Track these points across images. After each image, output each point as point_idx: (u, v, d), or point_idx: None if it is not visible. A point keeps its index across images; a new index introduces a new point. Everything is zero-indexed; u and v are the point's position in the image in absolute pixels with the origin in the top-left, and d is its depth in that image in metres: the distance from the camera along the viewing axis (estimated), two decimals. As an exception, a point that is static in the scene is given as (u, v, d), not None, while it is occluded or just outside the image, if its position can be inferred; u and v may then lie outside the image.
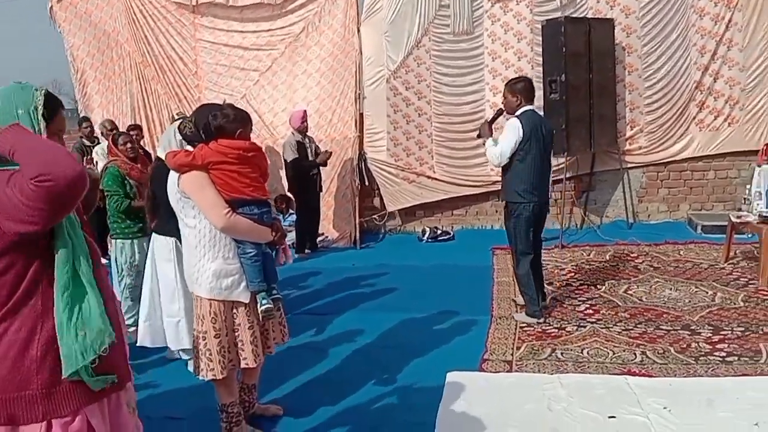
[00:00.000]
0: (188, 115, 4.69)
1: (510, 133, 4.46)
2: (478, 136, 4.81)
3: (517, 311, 4.90)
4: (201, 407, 3.52)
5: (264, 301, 3.01)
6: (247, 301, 3.01)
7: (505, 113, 4.71)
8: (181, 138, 3.83)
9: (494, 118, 4.88)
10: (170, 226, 3.87)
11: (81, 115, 8.66)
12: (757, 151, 7.35)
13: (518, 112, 4.52)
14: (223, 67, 8.51)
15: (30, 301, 1.74)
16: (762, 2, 7.27)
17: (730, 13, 7.33)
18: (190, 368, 3.51)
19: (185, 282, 3.87)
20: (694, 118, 7.66)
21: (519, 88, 4.57)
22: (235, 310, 3.02)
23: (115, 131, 6.51)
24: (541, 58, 7.40)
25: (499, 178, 7.90)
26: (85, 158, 7.32)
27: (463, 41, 7.85)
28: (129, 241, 4.60)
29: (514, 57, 7.81)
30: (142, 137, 7.50)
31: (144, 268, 4.43)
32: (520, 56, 7.79)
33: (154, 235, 4.05)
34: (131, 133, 7.00)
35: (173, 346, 4.04)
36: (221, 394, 3.16)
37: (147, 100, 8.74)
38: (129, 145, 4.67)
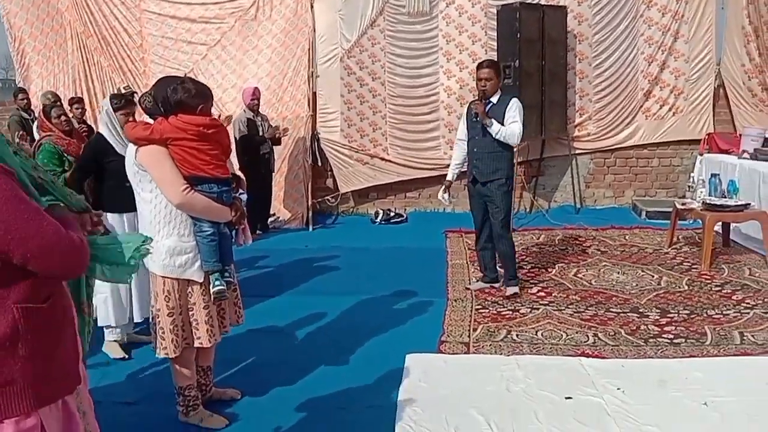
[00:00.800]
0: (133, 89, 4.52)
1: (519, 111, 4.64)
2: (480, 122, 4.63)
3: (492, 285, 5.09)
4: (156, 391, 3.41)
5: (217, 282, 2.93)
6: (200, 281, 2.93)
7: (484, 96, 4.64)
8: (107, 115, 3.73)
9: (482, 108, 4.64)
10: (100, 202, 3.82)
11: (18, 86, 8.19)
12: (700, 140, 7.66)
13: (503, 94, 4.76)
14: (170, 40, 8.21)
15: None
16: (707, -4, 7.51)
17: (677, 5, 7.54)
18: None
19: None
20: (641, 106, 7.87)
21: (501, 69, 4.96)
22: (189, 289, 2.95)
23: (50, 103, 6.15)
24: (495, 43, 7.44)
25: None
26: (21, 133, 6.94)
27: (418, 23, 7.80)
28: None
29: (468, 41, 7.82)
30: (85, 111, 7.16)
31: None
32: (474, 40, 7.81)
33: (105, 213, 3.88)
34: (74, 106, 6.70)
35: (100, 323, 3.84)
36: (177, 376, 3.08)
37: (89, 72, 8.35)
38: (63, 117, 4.42)
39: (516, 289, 4.88)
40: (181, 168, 2.81)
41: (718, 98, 7.86)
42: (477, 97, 4.75)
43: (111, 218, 3.81)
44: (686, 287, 5.03)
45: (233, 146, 7.19)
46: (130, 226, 3.82)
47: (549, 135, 7.72)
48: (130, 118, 3.81)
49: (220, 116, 7.20)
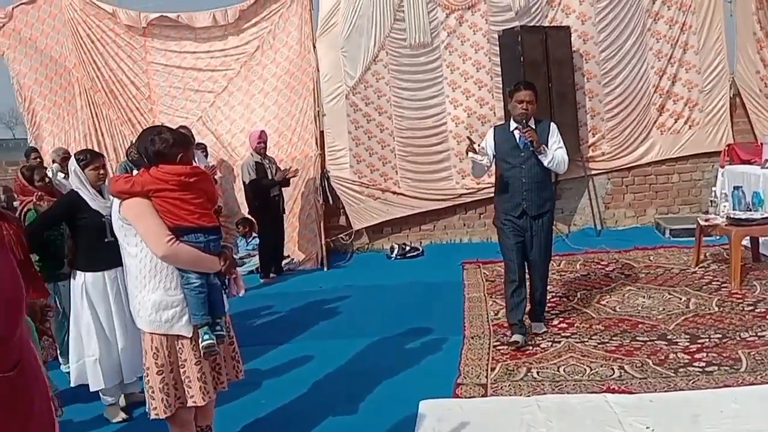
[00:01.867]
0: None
1: (560, 135, 4.37)
2: (538, 151, 4.19)
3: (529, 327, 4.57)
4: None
5: (206, 336, 2.78)
6: (189, 336, 2.79)
7: (525, 121, 4.20)
8: (75, 175, 3.65)
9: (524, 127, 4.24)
10: (77, 260, 3.72)
11: (30, 146, 8.28)
12: (720, 152, 7.41)
13: (536, 118, 4.33)
14: (177, 90, 8.26)
15: None
16: (714, 4, 7.35)
17: (684, 16, 7.39)
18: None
19: (99, 317, 3.69)
20: (655, 121, 7.67)
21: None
22: (179, 345, 2.81)
23: (26, 170, 6.08)
24: (499, 69, 7.34)
25: (465, 191, 8.03)
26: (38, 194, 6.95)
27: (420, 54, 7.75)
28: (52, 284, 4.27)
29: (472, 68, 7.73)
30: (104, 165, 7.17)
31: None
32: (478, 67, 7.72)
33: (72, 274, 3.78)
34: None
35: (92, 387, 3.70)
36: (175, 438, 2.92)
37: (99, 126, 8.41)
38: (47, 179, 4.40)
39: (545, 327, 4.64)
40: (165, 219, 2.72)
41: (735, 108, 7.63)
42: (506, 123, 4.44)
43: (91, 278, 3.68)
44: (716, 308, 4.77)
45: (242, 191, 7.28)
46: (112, 285, 3.68)
47: (562, 157, 7.53)
48: (101, 172, 3.74)
49: (286, 169, 7.19)
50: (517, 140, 4.25)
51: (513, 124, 4.30)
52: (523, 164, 4.27)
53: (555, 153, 4.24)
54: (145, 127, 8.02)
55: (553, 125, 4.38)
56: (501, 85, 7.17)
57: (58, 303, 4.28)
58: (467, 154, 4.35)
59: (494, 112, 7.70)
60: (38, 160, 7.65)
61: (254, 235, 7.82)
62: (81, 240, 3.72)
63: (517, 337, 4.34)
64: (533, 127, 4.22)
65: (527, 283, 4.51)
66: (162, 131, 2.79)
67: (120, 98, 8.36)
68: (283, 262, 7.57)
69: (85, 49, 8.24)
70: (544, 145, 4.20)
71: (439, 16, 7.67)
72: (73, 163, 3.72)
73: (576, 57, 7.52)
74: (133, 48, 8.23)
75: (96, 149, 7.97)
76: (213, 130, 8.18)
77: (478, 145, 4.36)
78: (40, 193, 4.33)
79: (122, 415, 3.76)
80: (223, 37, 8.09)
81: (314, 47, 7.79)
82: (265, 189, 7.08)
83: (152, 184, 2.71)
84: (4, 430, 1.45)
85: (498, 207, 4.52)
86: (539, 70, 7.05)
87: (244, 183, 7.21)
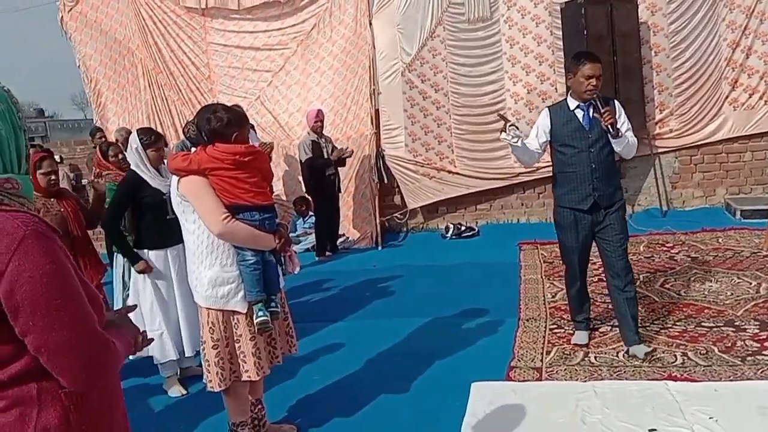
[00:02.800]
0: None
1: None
2: (615, 135, 3.60)
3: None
4: (209, 428, 3.35)
5: (260, 313, 2.83)
6: (244, 311, 2.85)
7: (593, 97, 3.60)
8: (137, 153, 3.71)
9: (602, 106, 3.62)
10: (140, 238, 3.80)
11: (95, 125, 8.58)
12: (798, 129, 6.96)
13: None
14: (236, 70, 8.36)
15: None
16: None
17: (760, -16, 6.91)
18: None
19: (161, 293, 3.78)
20: (727, 97, 7.26)
21: None
22: (235, 320, 2.87)
23: (105, 144, 6.29)
24: (561, 43, 7.08)
25: (524, 169, 7.79)
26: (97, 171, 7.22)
27: (479, 29, 7.56)
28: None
29: (533, 42, 7.49)
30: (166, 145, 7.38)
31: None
32: (539, 41, 7.47)
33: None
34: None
35: (158, 360, 3.82)
36: (230, 411, 3.01)
37: (161, 106, 8.63)
38: (120, 156, 4.50)
39: (647, 347, 3.77)
40: (221, 197, 2.78)
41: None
42: (563, 102, 3.79)
43: (153, 256, 3.78)
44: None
45: (300, 169, 7.33)
46: (174, 261, 3.78)
47: (626, 135, 7.24)
48: (162, 153, 3.83)
49: (341, 148, 7.26)
50: (581, 119, 3.66)
51: (573, 102, 3.69)
52: (592, 147, 3.65)
53: (630, 136, 3.71)
54: (204, 107, 8.28)
55: (618, 104, 3.79)
56: (563, 60, 6.91)
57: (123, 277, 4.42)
58: (501, 134, 3.72)
59: (555, 88, 7.45)
60: (102, 139, 7.92)
61: (310, 213, 7.88)
62: (143, 218, 3.82)
63: (580, 337, 4.00)
64: (600, 105, 3.59)
65: (587, 289, 4.08)
66: (217, 110, 2.82)
67: (181, 79, 8.54)
68: (338, 240, 7.61)
69: (147, 30, 8.44)
70: (617, 129, 3.62)
71: (498, -11, 7.45)
72: (135, 141, 3.79)
73: (643, 29, 7.17)
74: (193, 29, 8.37)
75: (158, 129, 8.22)
76: (270, 110, 8.25)
77: (513, 126, 3.70)
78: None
79: (180, 389, 3.87)
80: (279, 16, 8.11)
81: (370, 24, 7.72)
82: (321, 168, 7.10)
83: (208, 163, 2.76)
84: None
85: (559, 201, 3.83)
86: (604, 43, 6.76)
87: (300, 162, 7.25)
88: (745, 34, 7.04)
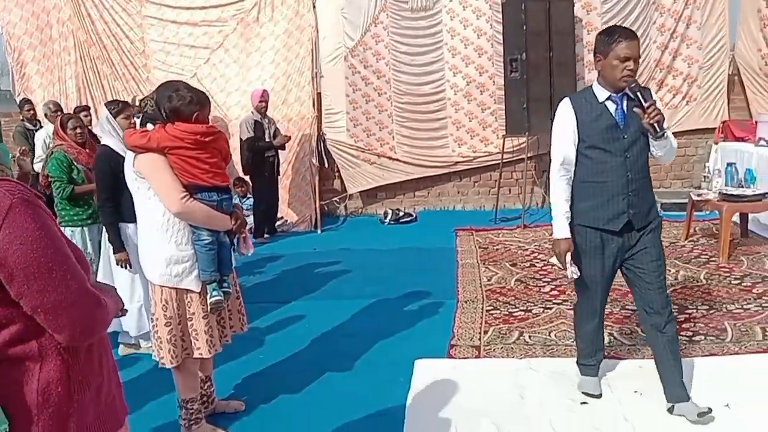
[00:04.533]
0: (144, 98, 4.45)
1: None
2: (661, 135, 2.76)
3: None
4: (157, 404, 3.33)
5: (215, 293, 2.86)
6: (198, 290, 2.86)
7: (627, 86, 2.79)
8: (108, 122, 3.68)
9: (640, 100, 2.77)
10: (120, 212, 3.74)
11: (20, 97, 8.16)
12: (714, 128, 7.46)
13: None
14: (172, 45, 8.15)
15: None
16: (719, -20, 7.30)
17: (688, -10, 7.34)
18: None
19: (140, 266, 3.72)
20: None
21: None
22: (188, 299, 2.87)
23: (61, 113, 6.10)
24: (501, 36, 7.29)
25: (461, 159, 8.05)
26: (23, 149, 6.89)
27: (421, 18, 7.68)
28: (79, 228, 4.34)
29: (473, 35, 7.68)
30: (91, 119, 7.12)
31: (98, 258, 4.23)
32: (479, 34, 7.67)
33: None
34: (82, 114, 6.67)
35: (133, 332, 3.86)
36: (181, 388, 3.00)
37: (92, 80, 8.30)
38: (78, 130, 4.37)
39: (698, 406, 2.89)
40: (179, 176, 2.77)
41: (732, 85, 7.65)
42: (588, 91, 2.91)
43: (133, 228, 3.71)
44: (704, 281, 4.86)
45: (238, 148, 7.25)
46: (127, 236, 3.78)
47: (559, 128, 7.54)
48: (131, 121, 3.77)
49: (284, 135, 7.14)
50: (614, 115, 2.82)
51: (601, 92, 2.84)
52: (628, 152, 2.81)
53: (670, 137, 2.87)
54: (139, 83, 8.03)
55: (654, 94, 2.91)
56: (502, 53, 7.12)
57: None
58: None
59: (493, 81, 7.68)
60: (31, 112, 7.56)
61: (248, 195, 7.81)
62: (123, 191, 3.72)
63: (590, 385, 3.21)
64: (642, 97, 2.74)
65: (603, 328, 3.27)
66: (179, 88, 2.79)
67: (114, 52, 8.25)
68: (277, 223, 7.60)
69: (80, 0, 8.07)
70: (656, 134, 2.76)
71: (441, -20, 7.58)
72: (105, 112, 3.76)
73: (578, 27, 7.48)
74: (128, 1, 8.08)
75: (89, 103, 7.93)
76: (207, 88, 8.07)
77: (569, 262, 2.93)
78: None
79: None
80: (219, -9, 7.95)
81: (314, 6, 7.69)
82: (261, 150, 7.06)
83: (168, 141, 2.73)
84: (86, 394, 1.48)
85: (579, 218, 2.93)
86: (541, 39, 7.02)
87: (240, 140, 7.17)
88: (673, 37, 7.47)
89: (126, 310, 1.74)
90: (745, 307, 4.28)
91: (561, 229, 2.89)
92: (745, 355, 3.59)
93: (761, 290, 4.56)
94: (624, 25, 7.40)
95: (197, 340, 2.88)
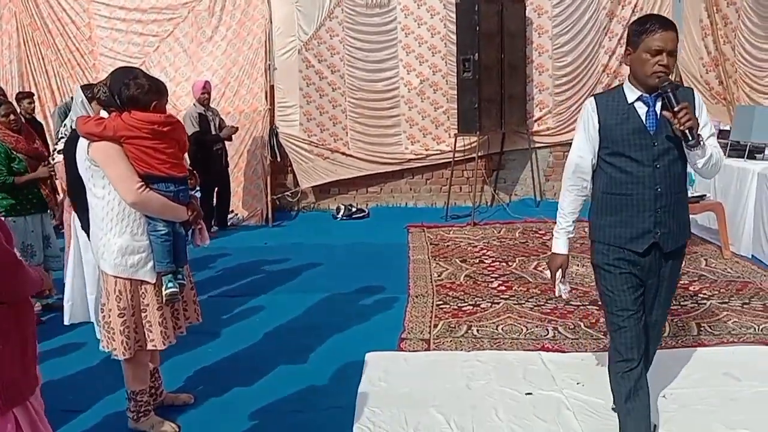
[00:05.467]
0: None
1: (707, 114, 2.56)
2: (695, 144, 2.34)
3: None
4: (105, 396, 3.28)
5: (170, 284, 2.84)
6: (153, 281, 2.83)
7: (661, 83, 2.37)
8: (83, 106, 3.60)
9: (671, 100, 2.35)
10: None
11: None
12: (656, 133, 7.73)
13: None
14: (120, 32, 7.95)
15: None
16: (665, -11, 7.57)
17: (636, -2, 7.57)
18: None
19: None
20: (600, 100, 7.89)
21: None
22: (142, 290, 2.84)
23: (3, 98, 5.89)
24: (454, 36, 7.39)
25: (414, 156, 8.14)
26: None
27: (376, 15, 7.71)
28: (21, 218, 4.21)
29: (427, 33, 7.76)
30: (34, 106, 6.90)
31: (39, 247, 4.14)
32: (433, 33, 7.76)
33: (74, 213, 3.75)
34: (26, 101, 6.48)
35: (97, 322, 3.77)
36: (129, 379, 2.97)
37: (35, 65, 8.01)
38: (12, 117, 4.23)
39: None
40: (135, 166, 2.73)
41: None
42: (617, 90, 2.53)
43: None
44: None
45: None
46: None
47: (509, 129, 7.72)
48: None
49: (230, 126, 7.07)
50: (643, 118, 2.43)
51: (632, 92, 2.46)
52: (658, 161, 2.42)
53: (709, 145, 2.43)
54: (85, 69, 7.80)
55: (698, 96, 2.53)
56: (455, 53, 7.23)
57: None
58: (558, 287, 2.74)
59: (446, 80, 7.78)
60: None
61: (197, 188, 7.68)
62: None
63: None
64: (674, 98, 2.33)
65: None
66: (138, 76, 2.75)
67: (59, 38, 7.98)
68: (227, 216, 7.51)
69: (24, -19, 7.80)
70: (701, 135, 2.38)
71: (397, -23, 7.63)
72: (80, 95, 3.64)
73: (529, 30, 7.65)
74: (74, -16, 7.84)
75: (32, 89, 7.67)
76: (156, 77, 7.92)
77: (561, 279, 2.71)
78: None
79: None
80: (170, -23, 7.79)
81: (268, -1, 7.63)
82: (209, 143, 6.96)
83: (125, 130, 2.69)
84: (5, 355, 1.60)
85: (600, 234, 2.57)
86: (493, 40, 7.15)
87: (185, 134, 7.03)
88: (621, 43, 7.70)
89: (52, 291, 1.89)
90: (682, 303, 4.48)
91: (557, 243, 2.68)
92: (682, 348, 3.76)
93: (697, 288, 4.79)
94: (573, 29, 7.67)
95: (151, 331, 2.85)
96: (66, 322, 3.92)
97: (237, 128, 7.29)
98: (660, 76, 2.34)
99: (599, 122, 2.49)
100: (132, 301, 2.82)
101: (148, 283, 2.82)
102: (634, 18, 7.53)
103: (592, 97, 2.60)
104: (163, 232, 2.81)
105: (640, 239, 2.48)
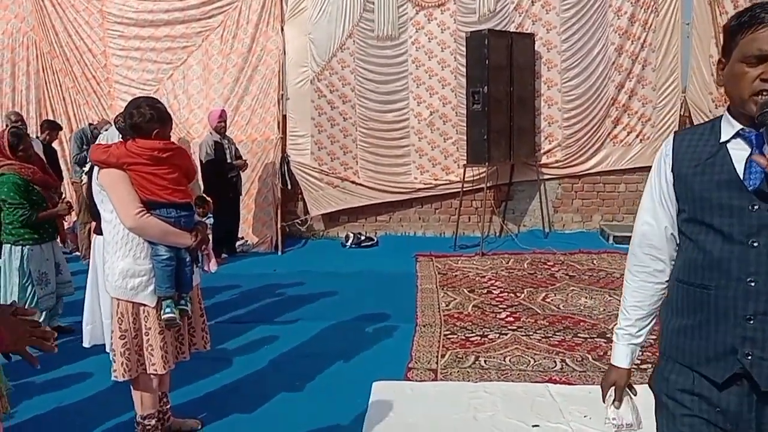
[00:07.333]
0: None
1: None
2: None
3: None
4: (115, 420, 3.29)
5: (168, 309, 2.86)
6: (152, 305, 2.87)
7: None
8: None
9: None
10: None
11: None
12: (665, 166, 7.75)
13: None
14: (135, 60, 8.13)
15: None
16: (674, 25, 7.65)
17: (645, 34, 7.65)
18: None
19: None
20: (609, 133, 7.95)
21: None
22: (144, 313, 2.87)
23: (22, 124, 6.02)
24: (464, 69, 7.48)
25: (423, 186, 8.25)
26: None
27: (387, 47, 7.84)
28: (38, 246, 4.27)
29: (437, 66, 7.87)
30: (56, 138, 7.09)
31: (52, 274, 4.21)
32: (443, 65, 7.87)
33: (96, 236, 3.83)
34: (54, 132, 6.70)
35: (108, 348, 3.81)
36: (138, 403, 2.99)
37: (53, 92, 8.20)
38: (31, 151, 4.33)
39: None
40: (138, 192, 2.81)
41: (683, 125, 8.00)
42: (710, 124, 1.60)
43: (99, 240, 3.76)
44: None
45: (199, 169, 7.23)
46: None
47: (518, 160, 7.77)
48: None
49: (245, 161, 7.21)
50: (737, 168, 1.49)
51: (729, 125, 1.54)
52: (756, 237, 1.46)
53: None
54: (100, 97, 7.98)
55: None
56: (465, 86, 7.33)
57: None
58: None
59: (456, 112, 7.87)
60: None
61: (210, 214, 7.76)
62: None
63: None
64: None
65: None
66: (141, 105, 2.85)
67: (77, 65, 8.17)
68: (237, 243, 7.56)
69: (45, 11, 8.02)
70: None
71: (408, 11, 7.78)
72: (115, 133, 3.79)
73: (538, 64, 7.75)
74: (90, 13, 8.05)
75: (50, 116, 7.84)
76: (169, 104, 8.06)
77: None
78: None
79: None
80: (184, 7, 7.97)
81: (282, 30, 7.79)
82: (224, 170, 7.06)
83: (126, 157, 2.79)
84: None
85: (668, 345, 1.66)
86: (503, 73, 7.24)
87: (200, 162, 7.15)
88: (630, 77, 7.78)
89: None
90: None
91: (614, 352, 1.81)
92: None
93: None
94: (582, 63, 7.76)
95: (152, 355, 2.88)
96: (86, 345, 3.98)
97: (246, 163, 7.40)
98: (762, 99, 1.42)
99: (673, 171, 1.61)
100: (134, 324, 2.86)
101: (148, 306, 2.86)
102: (643, 53, 7.77)
103: (673, 135, 1.71)
104: (164, 257, 2.85)
105: (719, 362, 1.51)
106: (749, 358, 1.47)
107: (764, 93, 1.43)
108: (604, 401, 1.86)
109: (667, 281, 1.70)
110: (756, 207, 1.45)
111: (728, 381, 1.51)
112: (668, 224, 1.66)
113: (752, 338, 1.47)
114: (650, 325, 1.77)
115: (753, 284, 1.46)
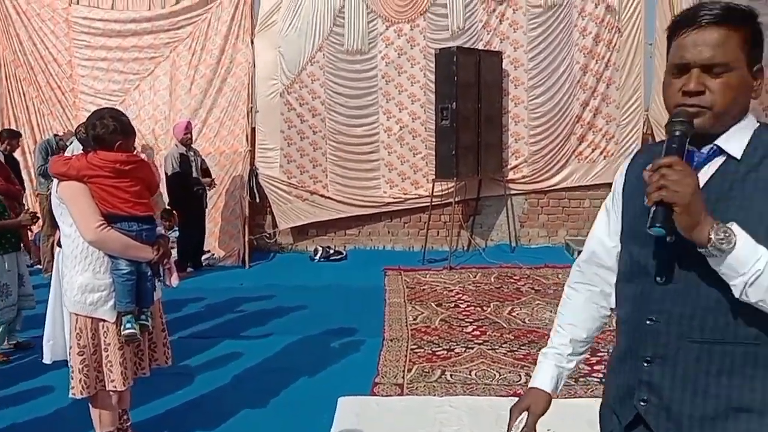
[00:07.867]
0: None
1: None
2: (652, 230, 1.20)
3: None
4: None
5: (129, 325, 2.80)
6: (112, 321, 2.81)
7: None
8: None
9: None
10: None
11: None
12: (628, 182, 7.92)
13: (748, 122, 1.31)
14: (101, 71, 8.03)
15: None
16: (636, 45, 7.85)
17: (610, 54, 7.84)
18: None
19: None
20: (575, 150, 8.10)
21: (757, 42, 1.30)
22: (104, 329, 2.82)
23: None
24: (433, 85, 7.56)
25: (392, 200, 8.29)
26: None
27: (357, 62, 7.88)
28: (0, 257, 4.18)
29: (407, 81, 7.94)
30: (18, 147, 6.91)
31: (14, 286, 4.10)
32: (413, 81, 7.94)
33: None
34: (15, 140, 6.53)
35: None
36: (96, 421, 2.92)
37: (17, 101, 8.05)
38: None
39: None
40: (99, 205, 2.76)
41: (645, 142, 8.20)
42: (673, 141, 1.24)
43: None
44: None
45: (164, 182, 7.15)
46: None
47: (485, 175, 7.86)
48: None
49: (212, 179, 7.12)
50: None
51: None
52: (664, 271, 1.30)
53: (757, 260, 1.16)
54: (65, 107, 7.85)
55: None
56: (434, 102, 7.40)
57: None
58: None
59: (425, 127, 7.93)
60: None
61: (175, 227, 7.67)
62: None
63: None
64: (731, 152, 1.27)
65: None
66: (104, 116, 2.81)
67: (41, 75, 8.04)
68: (203, 257, 7.48)
69: (10, 20, 7.88)
70: (721, 227, 1.16)
71: (378, 26, 7.84)
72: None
73: (506, 82, 7.88)
74: (56, 22, 7.94)
75: (13, 125, 7.67)
76: (136, 115, 7.97)
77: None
78: None
79: None
80: (152, 18, 7.92)
81: (252, 42, 7.78)
82: (189, 183, 6.98)
83: (87, 170, 2.75)
84: None
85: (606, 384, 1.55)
86: (471, 90, 7.34)
87: (166, 174, 7.06)
88: (594, 96, 7.95)
89: None
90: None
91: (539, 370, 1.65)
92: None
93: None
94: (548, 81, 7.91)
95: (111, 371, 2.81)
96: (47, 361, 3.84)
97: (214, 181, 7.33)
98: (684, 110, 1.26)
99: (624, 191, 1.45)
100: (93, 339, 2.80)
101: (108, 322, 2.81)
102: (607, 72, 7.96)
103: (631, 156, 1.53)
104: (125, 272, 2.80)
105: (623, 404, 1.40)
106: (643, 404, 1.33)
107: (684, 105, 1.26)
108: (508, 431, 1.59)
109: (612, 311, 1.55)
110: (671, 238, 1.21)
111: (632, 424, 1.37)
112: (610, 243, 1.50)
113: (648, 383, 1.32)
114: (583, 355, 1.60)
115: (656, 322, 1.30)
